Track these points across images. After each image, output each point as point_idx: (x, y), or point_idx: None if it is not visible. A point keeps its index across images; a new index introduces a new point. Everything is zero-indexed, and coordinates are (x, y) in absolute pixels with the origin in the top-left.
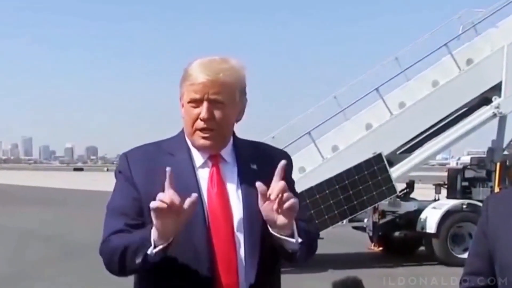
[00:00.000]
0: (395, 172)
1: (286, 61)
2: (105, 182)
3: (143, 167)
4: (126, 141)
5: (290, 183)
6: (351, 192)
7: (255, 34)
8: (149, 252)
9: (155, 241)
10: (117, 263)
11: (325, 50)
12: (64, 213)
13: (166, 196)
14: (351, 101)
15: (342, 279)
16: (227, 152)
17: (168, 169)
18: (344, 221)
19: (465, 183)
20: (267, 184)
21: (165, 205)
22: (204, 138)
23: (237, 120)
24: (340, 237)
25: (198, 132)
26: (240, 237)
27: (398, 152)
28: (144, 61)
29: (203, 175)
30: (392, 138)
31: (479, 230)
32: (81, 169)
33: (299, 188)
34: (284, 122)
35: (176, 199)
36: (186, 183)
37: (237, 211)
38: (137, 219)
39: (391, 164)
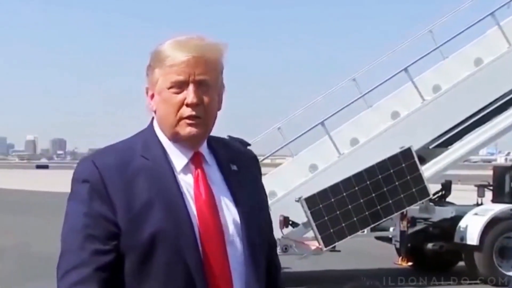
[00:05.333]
0: (427, 170)
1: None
2: (72, 188)
3: (115, 174)
4: (101, 133)
5: (264, 190)
6: (373, 195)
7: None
8: None
9: None
10: None
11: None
12: (22, 221)
13: None
14: (374, 85)
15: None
16: (205, 151)
17: None
18: (366, 230)
19: None
20: (251, 186)
21: None
22: (191, 125)
23: (218, 109)
24: (361, 250)
25: (183, 120)
26: (236, 248)
27: (431, 147)
28: (119, 39)
29: (187, 180)
30: (424, 129)
31: None
32: (45, 167)
33: (310, 190)
34: (292, 110)
35: None
36: (168, 192)
37: (231, 221)
38: (107, 244)
39: (423, 161)
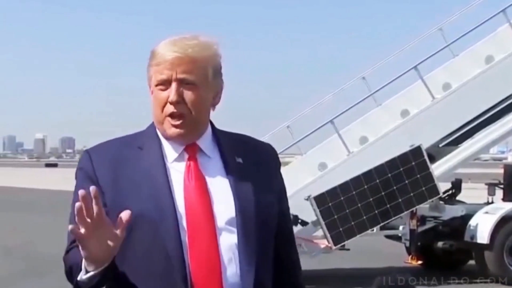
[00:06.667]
0: (437, 169)
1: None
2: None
3: (108, 165)
4: (109, 131)
5: (280, 186)
6: (383, 193)
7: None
8: (79, 278)
9: (85, 266)
10: (71, 281)
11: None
12: (30, 220)
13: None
14: (383, 83)
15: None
16: (206, 144)
17: (92, 188)
18: (375, 229)
19: None
20: (256, 180)
21: (80, 228)
22: (174, 126)
23: (213, 105)
24: (370, 248)
25: (168, 118)
26: (229, 239)
27: (441, 145)
28: (130, 38)
29: (178, 168)
30: (434, 128)
31: None
32: (54, 165)
33: (319, 188)
34: (301, 108)
35: (97, 215)
36: (155, 179)
37: (225, 209)
38: None
39: (433, 159)
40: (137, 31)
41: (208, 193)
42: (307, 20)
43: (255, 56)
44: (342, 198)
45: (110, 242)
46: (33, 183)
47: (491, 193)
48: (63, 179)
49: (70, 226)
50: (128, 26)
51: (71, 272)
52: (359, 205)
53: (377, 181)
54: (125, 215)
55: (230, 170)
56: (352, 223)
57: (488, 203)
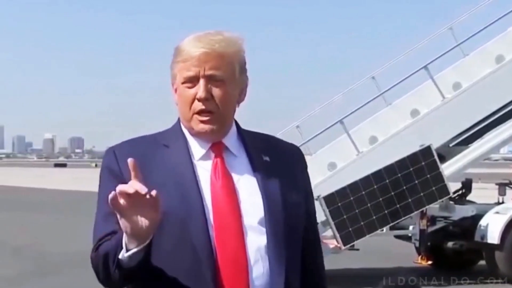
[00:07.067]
0: (447, 168)
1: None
2: (92, 180)
3: (137, 164)
4: (118, 131)
5: (307, 186)
6: (393, 193)
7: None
8: (120, 256)
9: (126, 243)
10: (103, 273)
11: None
12: (39, 220)
13: (126, 187)
14: (393, 82)
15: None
16: (231, 142)
17: (130, 160)
18: (385, 229)
19: None
20: (283, 179)
21: (121, 198)
22: (203, 122)
23: (239, 102)
24: (380, 248)
25: (196, 115)
26: (257, 239)
27: (451, 145)
28: (139, 34)
29: (205, 167)
30: (444, 127)
31: None
32: (63, 165)
33: (328, 188)
34: (310, 108)
35: (139, 189)
36: (183, 176)
37: (253, 208)
38: None
39: (443, 159)
40: (140, 30)
41: (236, 191)
42: (307, 20)
43: (255, 56)
44: (351, 198)
45: (149, 215)
46: (42, 183)
47: (502, 193)
48: (72, 179)
49: (111, 194)
50: (128, 26)
51: (105, 261)
52: (368, 205)
53: (387, 181)
54: (153, 192)
55: (257, 168)
56: (362, 223)
57: (498, 203)
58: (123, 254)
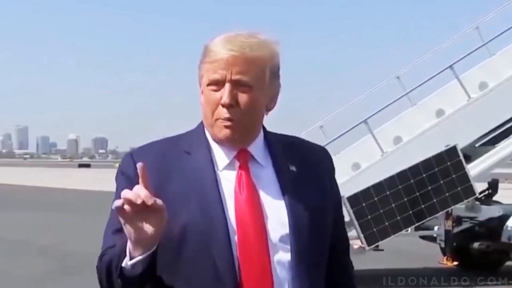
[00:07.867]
0: (473, 169)
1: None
2: (115, 181)
3: (153, 171)
4: (142, 132)
5: (335, 193)
6: (417, 193)
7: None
8: (123, 264)
9: (130, 251)
10: (106, 282)
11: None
12: (64, 220)
13: (130, 194)
14: (418, 82)
15: None
16: (257, 150)
17: (139, 164)
18: (409, 229)
19: None
20: (310, 190)
21: (126, 205)
22: (226, 127)
23: (268, 110)
24: (404, 249)
25: (219, 121)
26: (281, 257)
27: (477, 145)
28: (164, 34)
29: (229, 177)
30: (470, 127)
31: None
32: (87, 165)
33: (352, 189)
34: (335, 108)
35: (143, 196)
36: (204, 187)
37: (278, 225)
38: None
39: (469, 159)
40: (168, 32)
41: (261, 206)
42: (307, 20)
43: None
44: (376, 199)
45: (155, 222)
46: (67, 184)
47: None
48: (96, 180)
49: (116, 201)
50: (145, 26)
51: (108, 268)
52: (393, 205)
53: (412, 181)
54: (158, 201)
55: (283, 180)
56: (386, 223)
57: None
58: (126, 262)
